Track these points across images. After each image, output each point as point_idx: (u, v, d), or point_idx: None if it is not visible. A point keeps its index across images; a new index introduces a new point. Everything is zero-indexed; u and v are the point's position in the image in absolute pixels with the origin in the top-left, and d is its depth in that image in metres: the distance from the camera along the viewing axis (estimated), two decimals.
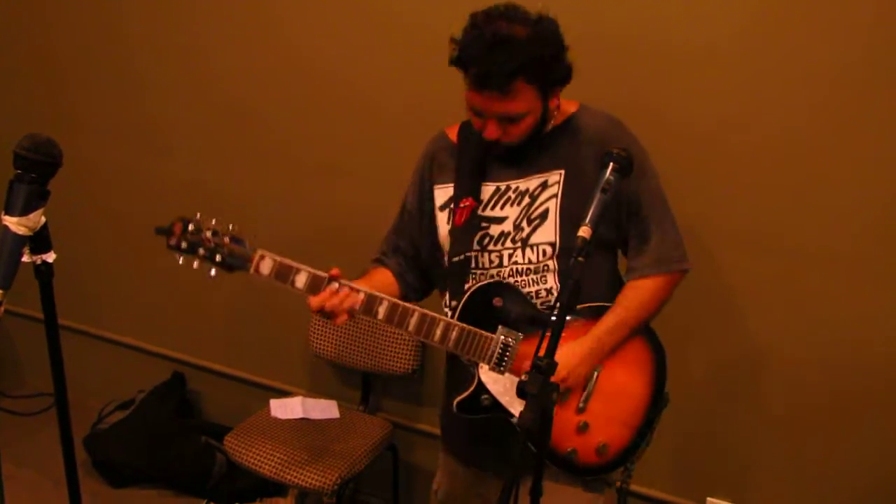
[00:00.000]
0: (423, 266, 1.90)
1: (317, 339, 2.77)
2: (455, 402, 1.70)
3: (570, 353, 1.61)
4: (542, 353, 1.31)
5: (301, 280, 1.61)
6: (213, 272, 1.60)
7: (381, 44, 2.55)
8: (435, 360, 2.66)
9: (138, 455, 2.92)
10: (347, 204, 2.72)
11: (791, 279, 2.19)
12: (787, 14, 2.05)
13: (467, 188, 1.74)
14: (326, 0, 2.61)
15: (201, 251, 1.59)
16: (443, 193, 1.80)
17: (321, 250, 2.79)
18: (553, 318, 1.35)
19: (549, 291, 1.68)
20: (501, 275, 1.70)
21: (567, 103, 1.74)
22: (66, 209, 3.08)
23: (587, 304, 1.68)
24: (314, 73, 2.68)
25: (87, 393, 3.22)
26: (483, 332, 1.66)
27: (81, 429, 3.03)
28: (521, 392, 1.30)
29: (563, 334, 1.60)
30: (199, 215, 1.60)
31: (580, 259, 1.36)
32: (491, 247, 1.71)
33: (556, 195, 1.67)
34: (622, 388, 1.70)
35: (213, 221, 1.59)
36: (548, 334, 1.33)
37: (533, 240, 1.68)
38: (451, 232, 1.76)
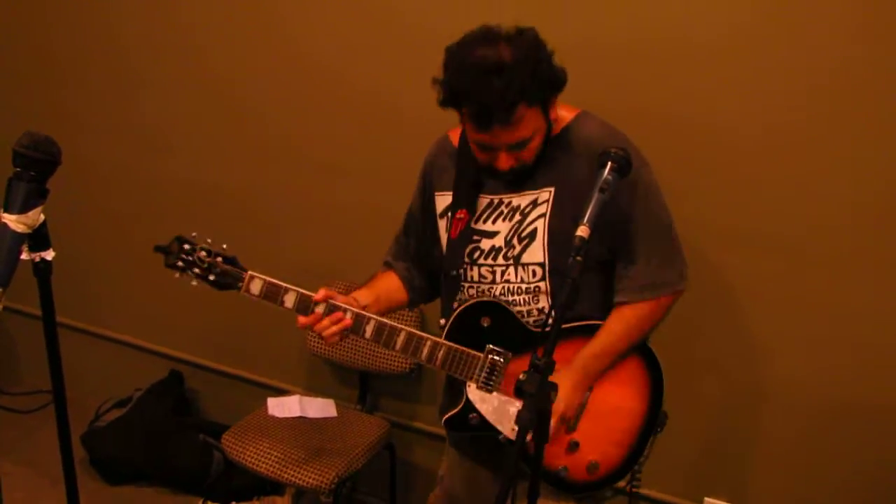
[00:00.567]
0: (432, 270, 1.88)
1: (314, 337, 2.76)
2: (444, 420, 1.71)
3: (562, 385, 1.55)
4: (540, 353, 1.30)
5: (290, 300, 1.67)
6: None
7: (381, 43, 2.54)
8: None
9: (135, 453, 2.92)
10: (349, 204, 2.72)
11: (791, 278, 2.18)
12: (787, 14, 2.05)
13: (464, 199, 1.72)
14: None
15: (196, 270, 1.67)
16: (442, 201, 1.78)
17: (322, 251, 2.79)
18: (552, 318, 1.34)
19: (541, 311, 1.66)
20: (493, 291, 1.68)
21: (566, 109, 1.67)
22: (66, 207, 3.08)
23: (579, 323, 1.66)
24: (314, 71, 2.68)
25: (85, 390, 3.22)
26: (470, 350, 1.66)
27: (79, 426, 3.01)
28: (519, 391, 1.30)
29: (555, 356, 1.59)
30: (194, 234, 1.68)
31: (578, 258, 1.34)
32: (481, 261, 1.70)
33: (544, 214, 1.64)
34: (615, 408, 1.69)
35: (209, 241, 1.68)
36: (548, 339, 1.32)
37: (524, 259, 1.65)
38: (447, 243, 1.75)
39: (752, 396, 2.31)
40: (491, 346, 1.65)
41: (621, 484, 1.77)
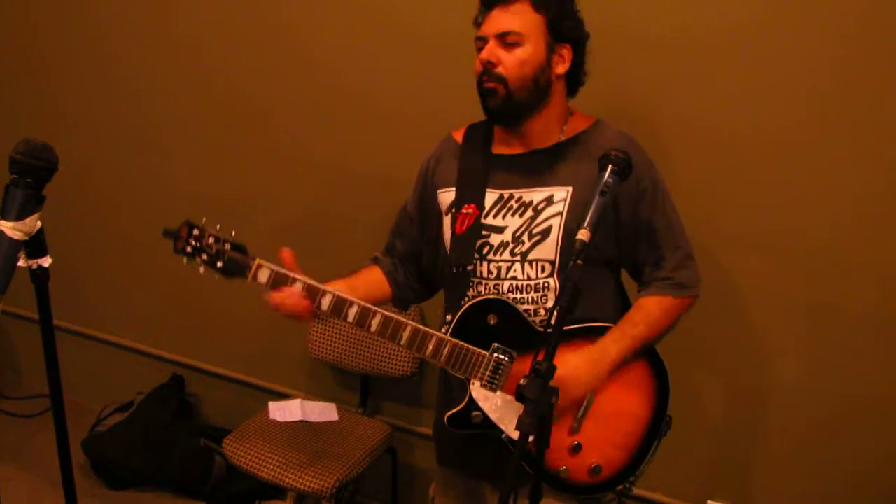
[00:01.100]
0: (423, 270, 1.88)
1: (316, 341, 2.77)
2: (446, 417, 1.69)
3: (570, 359, 1.58)
4: (540, 357, 1.30)
5: (297, 289, 1.64)
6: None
7: (384, 44, 2.54)
8: (435, 364, 2.66)
9: (136, 457, 2.92)
10: (353, 205, 2.72)
11: (795, 282, 2.17)
12: (788, 12, 2.05)
13: (470, 194, 1.71)
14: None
15: (204, 256, 1.63)
16: (447, 197, 1.77)
17: (323, 252, 2.78)
18: (552, 321, 1.34)
19: (548, 311, 1.65)
20: (499, 288, 1.68)
21: (583, 117, 1.71)
22: (69, 212, 3.09)
23: (587, 325, 1.65)
24: (316, 72, 2.67)
25: (87, 395, 3.22)
26: (476, 349, 1.65)
27: (80, 431, 3.03)
28: (520, 397, 1.29)
29: (564, 347, 1.59)
30: (204, 220, 1.65)
31: (579, 262, 1.35)
32: (490, 256, 1.69)
33: (561, 213, 1.63)
34: (620, 411, 1.68)
35: (218, 227, 1.64)
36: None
37: (532, 255, 1.65)
38: (452, 239, 1.73)
39: (757, 400, 2.31)
40: (497, 344, 1.64)
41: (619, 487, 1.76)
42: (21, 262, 1.36)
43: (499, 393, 1.65)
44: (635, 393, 1.69)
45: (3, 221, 1.30)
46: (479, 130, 1.77)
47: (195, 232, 1.63)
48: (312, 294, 1.64)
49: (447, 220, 1.76)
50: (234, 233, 1.65)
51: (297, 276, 1.64)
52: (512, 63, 1.60)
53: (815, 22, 2.01)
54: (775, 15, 2.05)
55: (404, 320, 1.65)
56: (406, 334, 1.65)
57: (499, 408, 1.65)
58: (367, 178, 2.66)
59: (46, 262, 1.41)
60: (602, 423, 1.67)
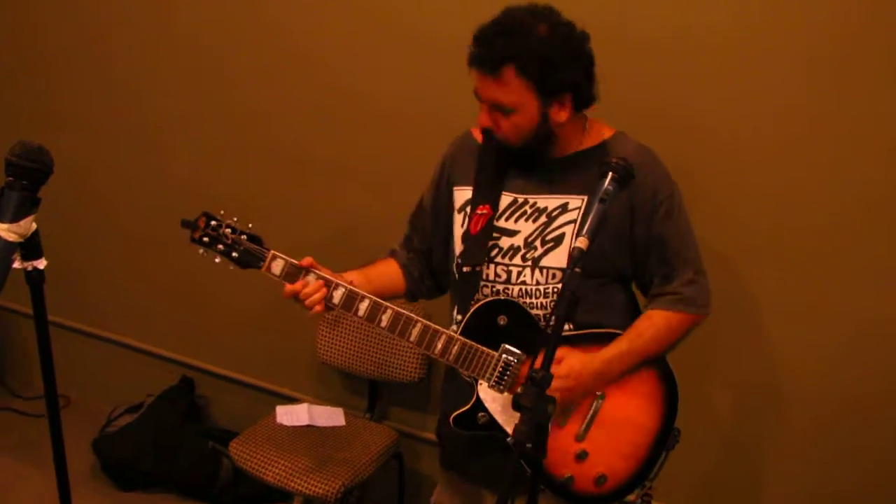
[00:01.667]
0: (434, 266, 1.88)
1: (324, 346, 2.76)
2: (452, 417, 1.68)
3: (578, 359, 1.59)
4: (538, 364, 1.29)
5: (311, 279, 1.66)
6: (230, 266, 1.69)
7: (387, 45, 2.53)
8: (442, 369, 2.64)
9: (145, 458, 2.93)
10: (354, 206, 2.71)
11: (807, 290, 2.15)
12: (788, 12, 2.02)
13: (486, 195, 1.71)
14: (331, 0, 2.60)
15: (220, 246, 1.66)
16: (462, 195, 1.77)
17: (327, 253, 2.77)
18: (549, 329, 1.33)
19: (545, 318, 1.65)
20: (509, 291, 1.67)
21: (603, 127, 1.71)
22: (77, 213, 3.11)
23: (596, 330, 1.65)
24: (316, 72, 2.67)
25: (98, 396, 3.24)
26: (485, 348, 1.64)
27: (91, 431, 3.05)
28: (517, 405, 1.29)
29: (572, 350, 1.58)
30: (222, 212, 1.68)
31: (577, 270, 1.33)
32: (499, 259, 1.68)
33: (574, 221, 1.63)
34: (628, 420, 1.67)
35: (235, 219, 1.68)
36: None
37: (544, 262, 1.65)
38: (464, 238, 1.73)
39: (766, 410, 2.28)
40: (506, 345, 1.63)
41: (631, 498, 1.74)
42: (16, 264, 1.38)
43: (506, 394, 1.64)
44: (644, 403, 1.68)
45: None
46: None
47: (213, 223, 1.66)
48: (326, 285, 1.65)
49: (458, 218, 1.76)
50: (251, 225, 1.68)
51: (309, 269, 1.65)
52: (509, 128, 1.61)
53: (814, 22, 2.00)
54: (775, 15, 2.03)
55: (414, 317, 1.65)
56: (416, 331, 1.65)
57: (505, 409, 1.65)
58: (368, 179, 2.66)
59: (41, 263, 1.42)
60: (609, 432, 1.66)
